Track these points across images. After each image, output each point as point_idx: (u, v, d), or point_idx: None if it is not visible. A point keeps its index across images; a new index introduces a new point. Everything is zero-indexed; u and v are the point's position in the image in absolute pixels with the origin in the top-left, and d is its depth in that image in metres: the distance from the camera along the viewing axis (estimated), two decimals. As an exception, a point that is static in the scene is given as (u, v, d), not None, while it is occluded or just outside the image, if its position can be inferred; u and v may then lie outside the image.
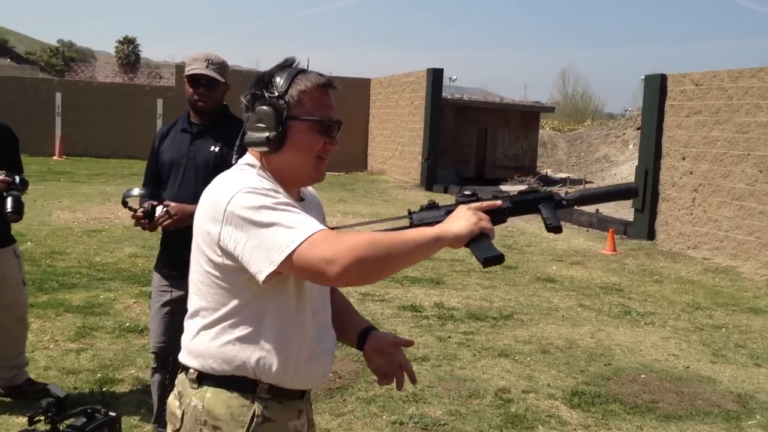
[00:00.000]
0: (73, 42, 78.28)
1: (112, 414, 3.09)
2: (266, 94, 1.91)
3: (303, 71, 1.94)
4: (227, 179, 1.91)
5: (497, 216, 1.96)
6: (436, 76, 20.84)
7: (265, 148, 1.89)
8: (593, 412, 4.87)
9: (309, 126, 1.91)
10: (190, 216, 3.44)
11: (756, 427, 4.76)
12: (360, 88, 25.33)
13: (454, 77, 39.78)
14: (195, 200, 2.04)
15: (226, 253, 1.83)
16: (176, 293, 3.70)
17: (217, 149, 3.69)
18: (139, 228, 3.65)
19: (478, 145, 24.06)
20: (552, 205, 2.04)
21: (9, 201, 3.99)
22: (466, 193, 2.00)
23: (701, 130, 12.05)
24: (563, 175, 24.77)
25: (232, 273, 1.84)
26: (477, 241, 1.87)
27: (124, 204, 3.59)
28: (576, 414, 4.83)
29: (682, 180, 12.44)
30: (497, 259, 1.87)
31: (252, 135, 1.91)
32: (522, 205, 2.05)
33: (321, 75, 1.95)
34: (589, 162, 27.08)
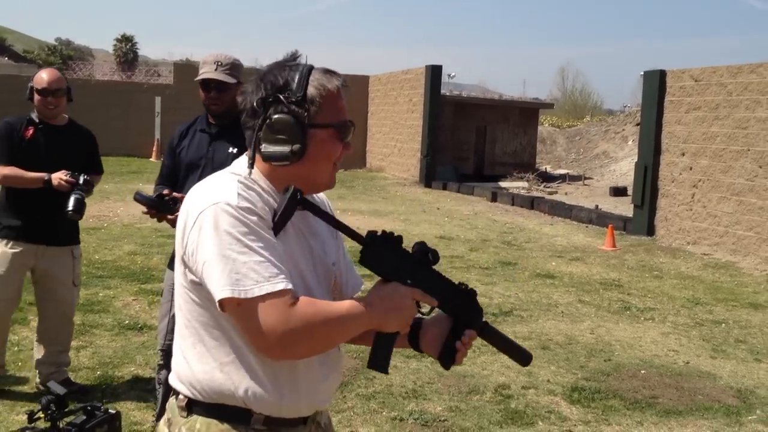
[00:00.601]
0: (71, 40, 78.25)
1: (112, 411, 3.09)
2: (283, 100, 1.71)
3: (313, 69, 1.77)
4: (207, 187, 1.74)
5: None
6: (434, 73, 20.83)
7: (286, 163, 1.71)
8: (593, 407, 4.87)
9: (330, 133, 1.76)
10: None
11: (756, 422, 4.76)
12: (358, 85, 25.30)
13: (453, 74, 39.85)
14: None
15: (188, 267, 1.70)
16: None
17: (235, 151, 3.66)
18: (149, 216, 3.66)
19: (477, 141, 24.05)
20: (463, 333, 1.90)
21: (71, 200, 4.19)
22: (428, 256, 1.81)
23: (701, 125, 12.05)
24: (562, 172, 24.78)
25: (201, 288, 1.69)
26: (388, 339, 1.80)
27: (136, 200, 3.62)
28: (576, 410, 4.82)
29: (681, 176, 12.44)
30: (383, 371, 1.84)
31: (271, 148, 1.71)
32: (448, 308, 1.90)
33: (335, 74, 1.79)
34: (588, 158, 27.08)
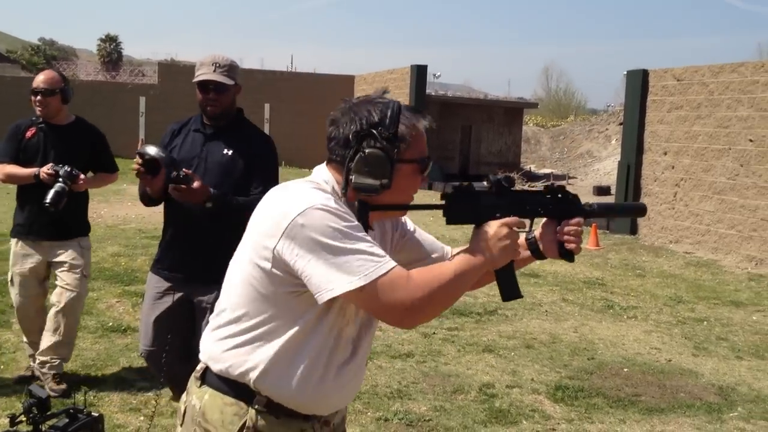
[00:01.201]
0: (55, 40, 77.59)
1: (95, 414, 3.08)
2: (377, 135, 1.81)
3: (402, 107, 1.88)
4: (297, 191, 1.84)
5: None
6: (420, 72, 20.90)
7: (374, 194, 1.82)
8: (576, 406, 4.90)
9: (413, 168, 1.89)
10: (203, 195, 3.43)
11: (737, 419, 4.80)
12: (344, 85, 25.32)
13: (438, 74, 39.72)
14: None
15: (279, 262, 1.77)
16: (177, 295, 3.71)
17: (229, 153, 3.67)
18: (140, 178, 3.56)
19: (462, 141, 24.13)
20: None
21: (51, 192, 4.27)
22: (503, 184, 1.94)
23: (683, 124, 12.14)
24: (547, 171, 24.87)
25: (276, 282, 1.80)
26: (507, 271, 1.92)
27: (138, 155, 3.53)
28: (559, 408, 4.85)
29: (663, 174, 12.52)
30: (518, 297, 1.96)
31: (362, 179, 1.81)
32: (545, 214, 2.03)
33: (423, 114, 1.92)
34: (572, 157, 27.20)
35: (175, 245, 3.78)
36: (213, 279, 3.58)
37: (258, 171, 3.70)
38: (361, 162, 1.81)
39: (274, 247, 1.77)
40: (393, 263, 1.74)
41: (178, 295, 3.70)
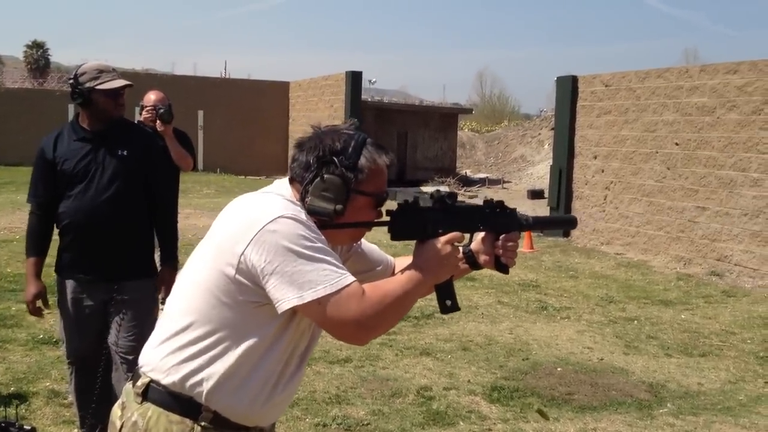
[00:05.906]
0: (-21, 46, 75.28)
1: (28, 427, 3.03)
2: (337, 162, 1.86)
3: (367, 140, 1.93)
4: (269, 200, 1.87)
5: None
6: (355, 78, 20.92)
7: (326, 219, 1.86)
8: (512, 405, 4.99)
9: (368, 201, 1.92)
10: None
11: (667, 415, 4.94)
12: (279, 91, 25.21)
13: (374, 80, 39.90)
14: None
15: (244, 268, 1.78)
16: (95, 297, 3.70)
17: (125, 153, 3.68)
18: None
19: (398, 147, 24.24)
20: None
21: None
22: (446, 201, 1.98)
23: (611, 129, 12.45)
24: (482, 176, 25.19)
25: (239, 291, 1.80)
26: (447, 285, 1.98)
27: None
28: (495, 408, 4.93)
29: (594, 178, 12.81)
30: (457, 310, 2.00)
31: (317, 203, 1.85)
32: (485, 228, 2.09)
33: (386, 151, 1.96)
34: (506, 162, 27.61)
35: (78, 246, 3.77)
36: (122, 276, 3.64)
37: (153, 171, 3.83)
38: (319, 186, 1.85)
39: (242, 252, 1.78)
40: (353, 278, 1.78)
41: (95, 297, 3.76)
